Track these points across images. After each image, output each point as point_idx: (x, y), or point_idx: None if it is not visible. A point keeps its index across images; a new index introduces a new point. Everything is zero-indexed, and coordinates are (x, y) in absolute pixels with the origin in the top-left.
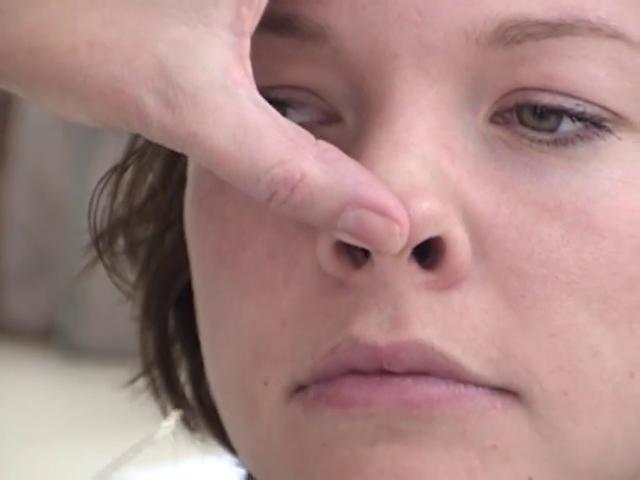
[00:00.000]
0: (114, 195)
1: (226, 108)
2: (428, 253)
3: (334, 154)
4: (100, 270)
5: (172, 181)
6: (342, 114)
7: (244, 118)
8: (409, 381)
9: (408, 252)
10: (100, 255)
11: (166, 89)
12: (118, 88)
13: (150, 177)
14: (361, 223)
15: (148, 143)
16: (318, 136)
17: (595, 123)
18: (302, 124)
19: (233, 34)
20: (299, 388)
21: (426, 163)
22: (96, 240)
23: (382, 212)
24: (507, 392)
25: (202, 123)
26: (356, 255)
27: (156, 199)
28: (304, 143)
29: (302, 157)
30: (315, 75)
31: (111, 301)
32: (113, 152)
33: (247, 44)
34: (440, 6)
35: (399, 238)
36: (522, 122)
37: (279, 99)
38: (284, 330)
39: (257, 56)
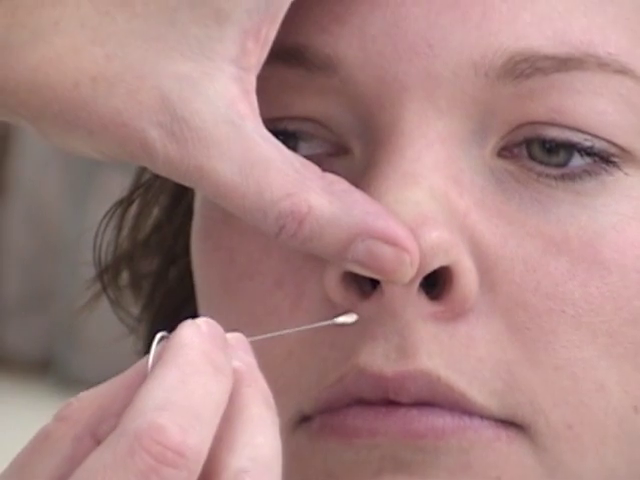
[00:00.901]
0: (119, 228)
1: (232, 141)
2: (436, 284)
3: (341, 185)
4: (97, 302)
5: (178, 214)
6: (350, 145)
7: (250, 151)
8: (414, 412)
9: (418, 282)
10: (104, 288)
11: (170, 122)
12: (121, 122)
13: (155, 211)
14: (371, 253)
15: (155, 177)
16: (326, 168)
17: (603, 158)
18: (310, 156)
19: (238, 68)
20: (304, 418)
21: (434, 194)
22: (101, 273)
23: (392, 242)
24: (512, 424)
25: (208, 156)
26: (363, 285)
27: (161, 232)
28: (310, 175)
29: (309, 189)
30: (324, 106)
31: (109, 333)
32: (112, 184)
33: (253, 79)
34: (450, 39)
35: (409, 267)
36: (530, 156)
37: (288, 131)
38: (290, 360)
39: (266, 87)
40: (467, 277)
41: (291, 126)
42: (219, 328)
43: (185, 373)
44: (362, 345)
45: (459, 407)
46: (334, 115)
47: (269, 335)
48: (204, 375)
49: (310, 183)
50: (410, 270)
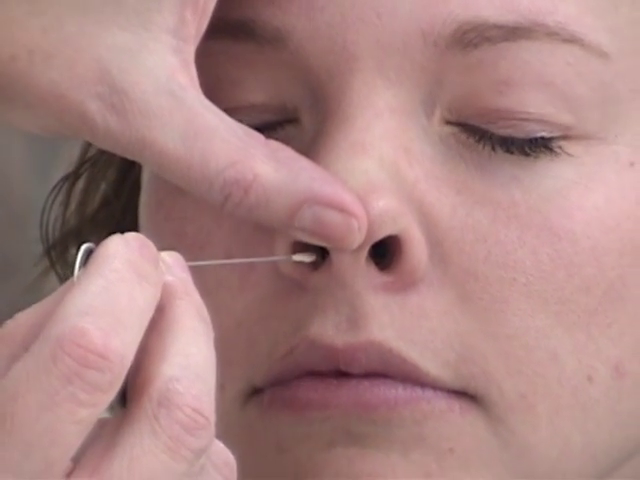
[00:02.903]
0: (66, 204)
1: (173, 112)
2: (385, 254)
3: (286, 153)
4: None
5: (126, 189)
6: (299, 116)
7: (193, 121)
8: (366, 383)
9: (366, 250)
10: (53, 264)
11: (110, 94)
12: (59, 94)
13: (103, 186)
14: (318, 220)
15: (101, 151)
16: (272, 137)
17: (546, 138)
18: (255, 126)
19: (177, 39)
20: (255, 391)
21: (383, 164)
22: (49, 250)
23: (339, 207)
24: (465, 395)
25: (149, 127)
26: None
27: (109, 208)
28: (255, 143)
29: (253, 157)
30: (273, 78)
31: None
32: (77, 155)
33: (192, 49)
34: (398, 8)
35: (357, 233)
36: (477, 125)
37: (233, 104)
38: (239, 332)
39: (216, 63)
40: (416, 247)
41: (238, 98)
42: (150, 243)
43: (108, 280)
44: (313, 316)
45: (411, 378)
46: (283, 86)
47: (211, 262)
48: (128, 282)
49: (254, 151)
50: (358, 236)
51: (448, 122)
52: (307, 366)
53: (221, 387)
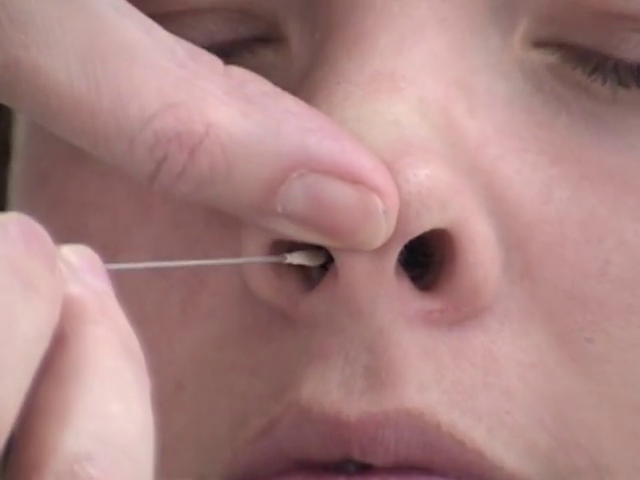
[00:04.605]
0: None
1: (68, 21)
2: (428, 264)
3: (260, 87)
4: None
5: None
6: (283, 29)
7: (100, 36)
8: None
9: (395, 254)
10: None
11: None
12: None
13: None
14: (315, 199)
15: None
16: (240, 66)
17: None
18: (211, 47)
19: None
20: None
21: (426, 109)
22: None
23: (351, 177)
24: None
25: (28, 46)
26: (306, 268)
27: None
28: (205, 72)
29: (204, 95)
30: None
31: None
32: None
33: None
34: None
35: (382, 223)
36: (588, 46)
37: (171, 8)
38: (181, 396)
39: None
40: (480, 251)
41: (186, 5)
42: (42, 232)
43: None
44: (305, 368)
45: (473, 475)
46: None
47: (149, 264)
48: (5, 292)
49: (206, 84)
50: (384, 229)
51: (538, 42)
52: (296, 453)
53: None
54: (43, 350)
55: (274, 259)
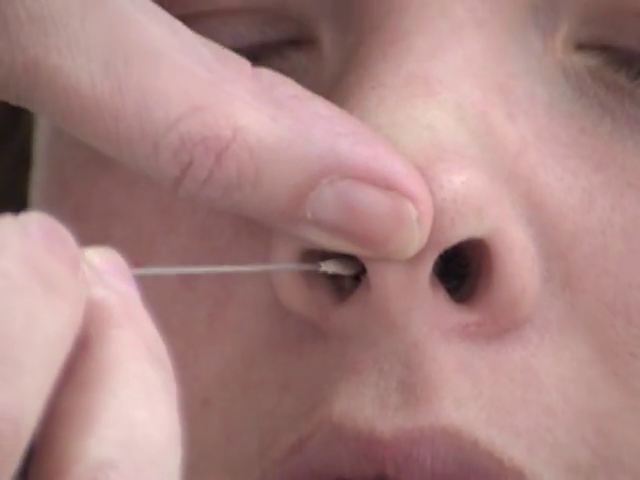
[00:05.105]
0: None
1: (89, 21)
2: (464, 275)
3: (289, 90)
4: None
5: (5, 158)
6: (315, 30)
7: (124, 37)
8: None
9: (430, 264)
10: None
11: None
12: None
13: None
14: (347, 205)
15: None
16: (269, 68)
17: None
18: (240, 49)
19: None
20: None
21: (463, 114)
22: None
23: (384, 183)
24: None
25: (47, 46)
26: (337, 279)
27: None
28: (233, 75)
29: (232, 99)
30: None
31: None
32: None
33: None
34: None
35: (416, 231)
36: (628, 47)
37: (199, 8)
38: (208, 414)
39: None
40: (519, 262)
41: (214, 5)
42: (65, 233)
43: None
44: (338, 383)
45: None
46: None
47: (174, 270)
48: (26, 296)
49: (234, 87)
50: (417, 237)
51: (580, 45)
52: (327, 472)
53: None
54: (65, 353)
55: (307, 267)
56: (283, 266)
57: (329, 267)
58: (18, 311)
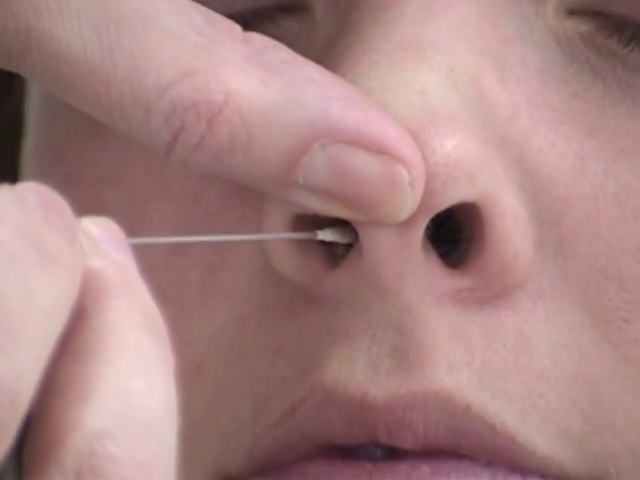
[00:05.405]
0: None
1: None
2: (457, 240)
3: (280, 54)
4: None
5: None
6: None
7: (116, 1)
8: (425, 469)
9: (422, 228)
10: None
11: None
12: None
13: None
14: (338, 168)
15: None
16: (262, 34)
17: None
18: (232, 15)
19: None
20: None
21: (455, 79)
22: None
23: (376, 147)
24: None
25: (38, 12)
26: (331, 247)
27: None
28: (224, 38)
29: (223, 62)
30: None
31: None
32: None
33: None
34: None
35: (408, 195)
36: (626, 15)
37: None
38: (200, 381)
39: None
40: (511, 227)
41: None
42: (61, 202)
43: None
44: (330, 348)
45: (505, 460)
46: None
47: (172, 239)
48: (23, 265)
49: (225, 51)
50: (410, 201)
51: (572, 10)
52: (320, 438)
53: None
54: (62, 324)
55: (304, 235)
56: (279, 235)
57: (326, 235)
58: (15, 282)
